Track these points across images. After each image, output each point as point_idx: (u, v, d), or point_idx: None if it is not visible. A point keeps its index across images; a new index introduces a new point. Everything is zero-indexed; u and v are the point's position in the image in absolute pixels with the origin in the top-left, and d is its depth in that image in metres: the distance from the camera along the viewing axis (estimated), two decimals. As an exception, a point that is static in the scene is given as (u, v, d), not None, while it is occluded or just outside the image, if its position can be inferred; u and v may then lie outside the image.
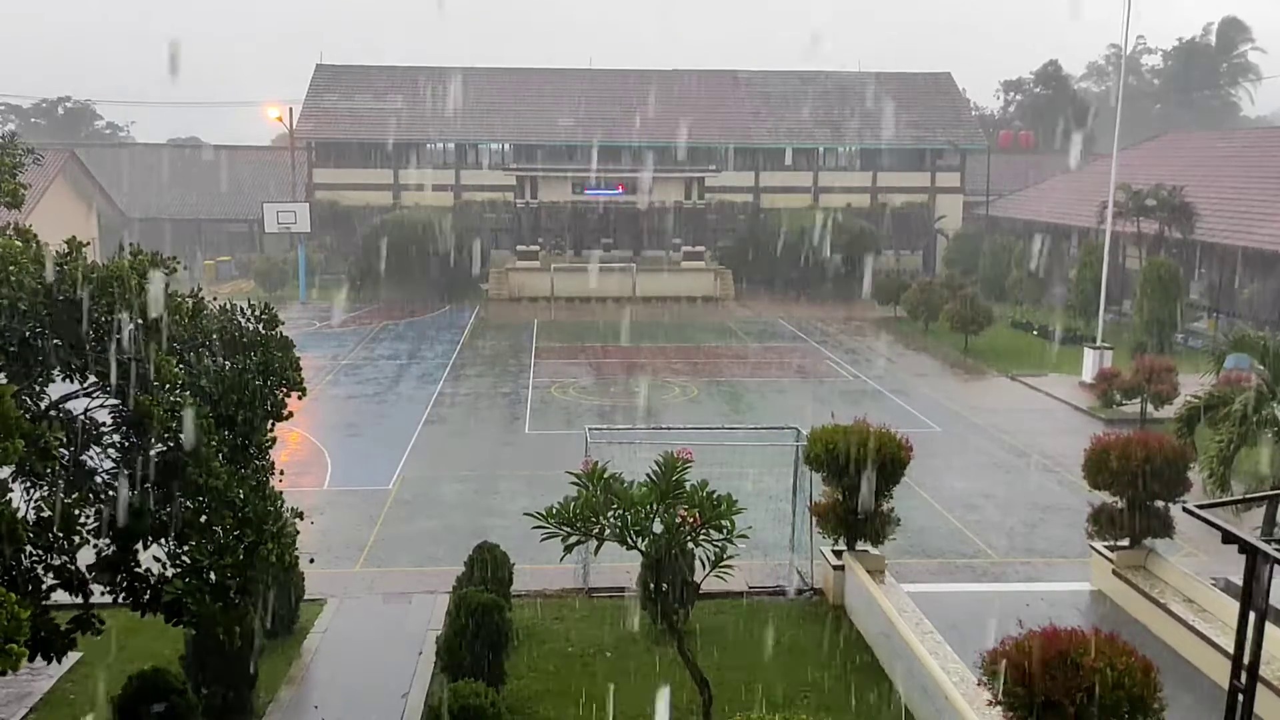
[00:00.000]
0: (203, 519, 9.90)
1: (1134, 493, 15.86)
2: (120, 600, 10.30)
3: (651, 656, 14.25)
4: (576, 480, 11.39)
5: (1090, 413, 29.14)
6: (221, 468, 9.79)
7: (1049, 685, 9.37)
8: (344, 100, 59.27)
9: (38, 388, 9.98)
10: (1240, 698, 9.65)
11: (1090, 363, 32.16)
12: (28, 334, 9.29)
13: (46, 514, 9.49)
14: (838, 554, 16.34)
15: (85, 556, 10.01)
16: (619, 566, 15.58)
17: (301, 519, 11.03)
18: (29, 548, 9.42)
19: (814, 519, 16.36)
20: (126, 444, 10.00)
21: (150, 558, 10.28)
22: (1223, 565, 17.16)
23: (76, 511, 9.54)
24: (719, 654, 14.32)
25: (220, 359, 10.59)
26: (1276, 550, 9.47)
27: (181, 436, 9.66)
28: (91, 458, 10.15)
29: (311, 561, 13.90)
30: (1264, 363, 19.01)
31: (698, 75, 61.72)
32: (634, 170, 53.14)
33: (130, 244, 10.64)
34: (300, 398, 11.50)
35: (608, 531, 11.14)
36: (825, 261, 51.58)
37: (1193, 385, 25.60)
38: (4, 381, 9.04)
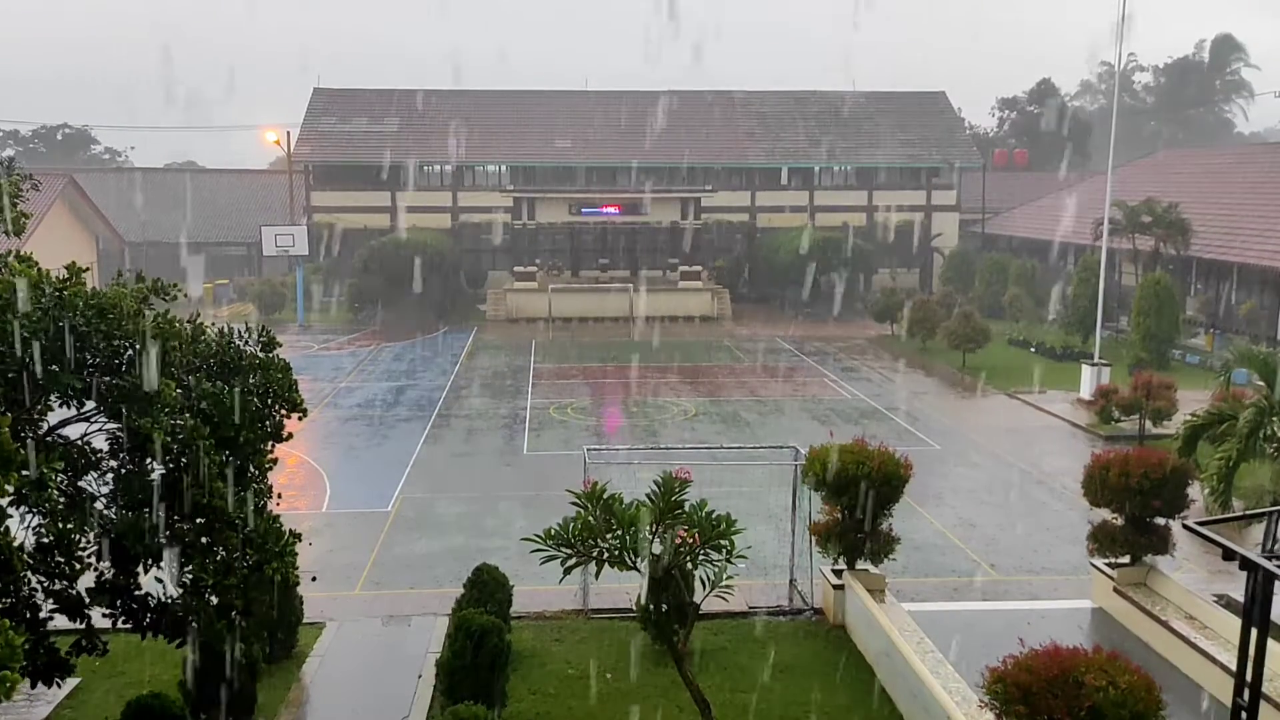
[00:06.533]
0: (204, 540, 9.90)
1: (1134, 509, 15.86)
2: (120, 624, 10.28)
3: (652, 678, 14.20)
4: (576, 500, 11.38)
5: (1089, 429, 29.14)
6: (223, 489, 9.79)
7: (1051, 704, 9.35)
8: (341, 123, 59.50)
9: (36, 414, 9.97)
10: (1243, 715, 9.63)
11: (1088, 379, 32.19)
12: (27, 360, 9.30)
13: (46, 540, 9.47)
14: (838, 573, 16.30)
15: (85, 580, 9.99)
16: (619, 588, 15.53)
17: (299, 541, 11.00)
18: (28, 574, 9.39)
19: (813, 538, 16.34)
20: (124, 469, 10.00)
21: (151, 580, 10.26)
22: (1224, 582, 17.16)
23: (76, 536, 9.53)
24: (719, 675, 14.27)
25: (219, 382, 10.60)
26: (1277, 567, 9.47)
27: (182, 459, 9.66)
28: (89, 483, 10.14)
29: (314, 579, 13.86)
30: (1266, 378, 19.06)
31: (693, 96, 62.03)
32: (631, 191, 53.34)
33: (128, 269, 10.67)
34: (301, 418, 11.50)
35: (607, 553, 11.13)
36: (822, 280, 51.66)
37: (1191, 401, 25.65)
38: (2, 411, 9.03)
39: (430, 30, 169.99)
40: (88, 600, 10.00)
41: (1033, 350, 41.24)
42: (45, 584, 9.67)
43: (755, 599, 16.74)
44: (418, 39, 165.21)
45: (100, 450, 10.19)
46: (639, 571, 11.38)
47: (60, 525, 9.42)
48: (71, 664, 10.09)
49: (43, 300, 9.48)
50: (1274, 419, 18.06)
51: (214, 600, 9.94)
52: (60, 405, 9.89)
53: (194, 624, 9.97)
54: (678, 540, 11.12)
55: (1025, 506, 22.46)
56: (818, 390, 34.89)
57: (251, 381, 10.76)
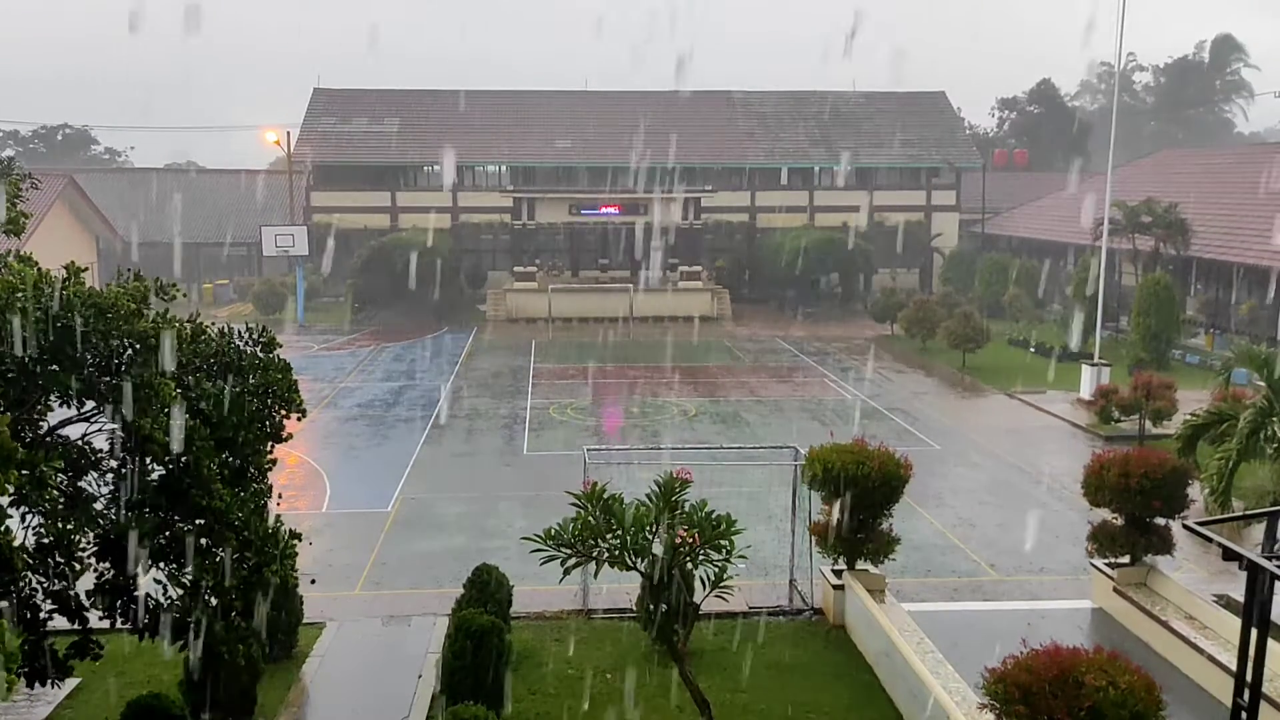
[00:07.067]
0: (204, 541, 9.89)
1: (1134, 510, 15.85)
2: (119, 625, 10.27)
3: (652, 678, 14.19)
4: (576, 501, 11.38)
5: (1089, 429, 29.13)
6: (223, 489, 9.78)
7: (1051, 704, 9.35)
8: (341, 123, 59.51)
9: (36, 414, 9.97)
10: (1243, 715, 9.63)
11: (1088, 379, 32.18)
12: (27, 360, 9.30)
13: (46, 540, 9.46)
14: (838, 573, 16.30)
15: (85, 581, 9.99)
16: (619, 588, 15.54)
17: (300, 540, 11.00)
18: (28, 575, 9.39)
19: (813, 538, 16.33)
20: (124, 469, 10.00)
21: (150, 581, 10.26)
22: (1224, 582, 17.16)
23: (76, 537, 9.52)
24: (719, 675, 14.26)
25: (219, 382, 10.60)
26: (1278, 567, 9.47)
27: (182, 459, 9.65)
28: (90, 483, 10.14)
29: (314, 582, 13.85)
30: (1266, 378, 19.05)
31: (693, 96, 61.98)
32: (630, 191, 53.36)
33: (128, 269, 10.67)
34: (300, 419, 11.50)
35: (607, 553, 11.13)
36: (822, 280, 51.69)
37: (1191, 401, 25.64)
38: (2, 410, 9.03)
39: (430, 30, 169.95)
40: (87, 603, 10.00)
41: (1032, 350, 41.23)
42: (45, 584, 9.66)
43: (755, 599, 16.73)
44: (418, 39, 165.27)
45: (100, 450, 10.19)
46: (639, 572, 11.38)
47: (60, 525, 9.41)
48: (70, 665, 10.09)
49: (42, 300, 9.48)
50: (1274, 419, 18.04)
51: (213, 601, 9.92)
52: (60, 405, 9.89)
53: (193, 625, 9.95)
54: (678, 540, 11.12)
55: (1025, 507, 22.44)
56: (818, 390, 34.89)
57: (251, 381, 10.75)
